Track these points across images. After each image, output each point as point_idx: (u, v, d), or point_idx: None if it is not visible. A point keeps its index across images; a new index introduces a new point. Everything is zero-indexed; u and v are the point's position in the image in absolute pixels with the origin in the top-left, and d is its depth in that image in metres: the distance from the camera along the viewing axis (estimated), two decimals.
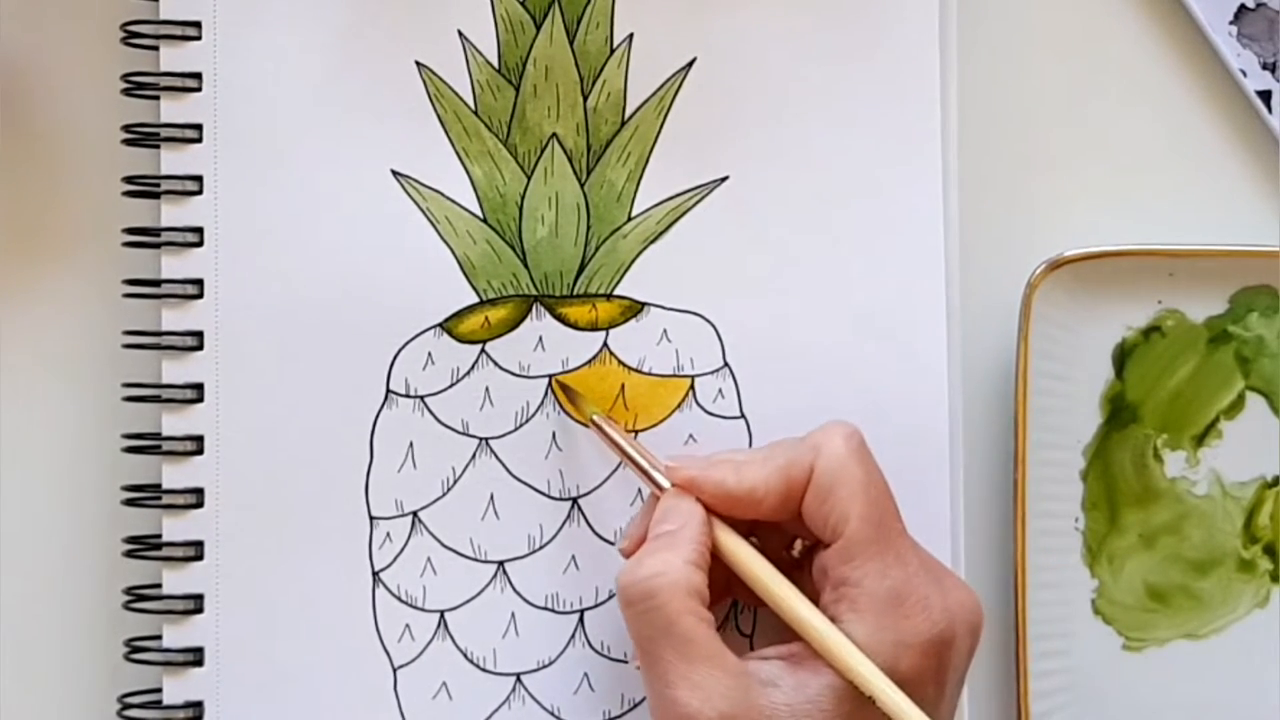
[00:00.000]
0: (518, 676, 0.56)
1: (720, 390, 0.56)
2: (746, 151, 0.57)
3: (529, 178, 0.56)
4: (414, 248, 0.56)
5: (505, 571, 0.56)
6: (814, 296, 0.57)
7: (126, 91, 0.56)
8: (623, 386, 0.56)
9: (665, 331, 0.56)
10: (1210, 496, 0.59)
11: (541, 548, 0.56)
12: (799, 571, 0.53)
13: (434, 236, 0.56)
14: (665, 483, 0.53)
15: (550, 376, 0.56)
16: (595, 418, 0.55)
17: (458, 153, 0.56)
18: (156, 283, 0.56)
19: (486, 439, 0.56)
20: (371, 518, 0.56)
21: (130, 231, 0.56)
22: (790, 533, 0.53)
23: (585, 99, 0.56)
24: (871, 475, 0.51)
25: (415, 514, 0.56)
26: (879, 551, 0.50)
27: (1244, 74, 0.59)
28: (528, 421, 0.56)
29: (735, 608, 0.56)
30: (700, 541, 0.51)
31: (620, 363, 0.56)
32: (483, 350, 0.56)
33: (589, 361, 0.56)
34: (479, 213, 0.56)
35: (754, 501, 0.51)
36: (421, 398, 0.56)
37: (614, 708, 0.56)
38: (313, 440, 0.56)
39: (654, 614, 0.49)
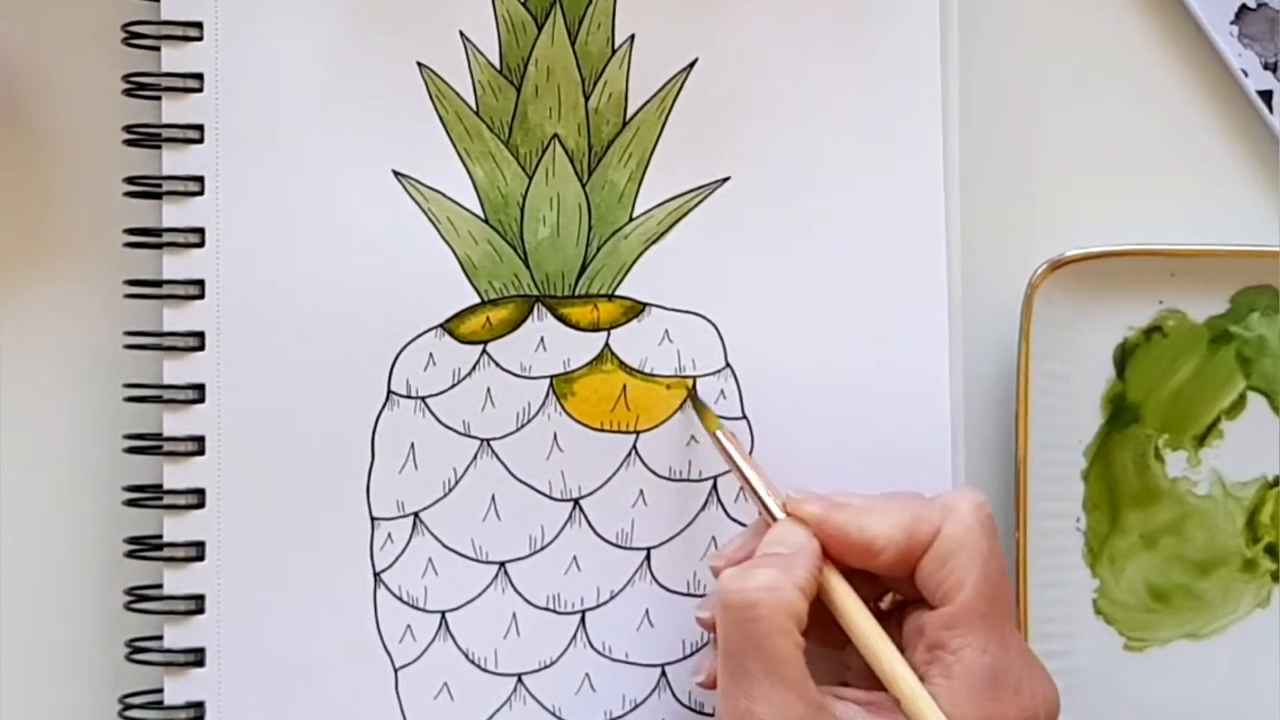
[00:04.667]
0: (519, 677, 0.56)
1: (722, 391, 0.56)
2: (747, 152, 0.57)
3: (530, 178, 0.56)
4: (415, 248, 0.56)
5: (506, 572, 0.56)
6: (815, 297, 0.57)
7: (128, 92, 0.56)
8: (624, 387, 0.56)
9: (667, 332, 0.56)
10: (1211, 497, 0.59)
11: (543, 548, 0.56)
12: (882, 622, 0.52)
13: (435, 237, 0.56)
14: (780, 513, 0.52)
15: (551, 377, 0.56)
16: (719, 434, 0.55)
17: (459, 153, 0.56)
18: (158, 283, 0.56)
19: (488, 440, 0.56)
20: (373, 518, 0.56)
21: (132, 232, 0.56)
22: (885, 585, 0.53)
23: (587, 100, 0.56)
24: (994, 550, 0.51)
25: (416, 515, 0.56)
26: (985, 627, 0.50)
27: (1245, 74, 0.59)
28: (529, 422, 0.56)
29: None
30: (812, 572, 0.50)
31: (622, 363, 0.56)
32: (484, 351, 0.56)
33: (590, 362, 0.56)
34: (480, 213, 0.56)
35: (872, 553, 0.51)
36: (423, 398, 0.56)
37: (615, 708, 0.56)
38: (314, 441, 0.56)
39: (751, 625, 0.49)
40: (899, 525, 0.51)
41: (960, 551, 0.50)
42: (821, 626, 0.51)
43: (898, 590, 0.53)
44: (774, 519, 0.52)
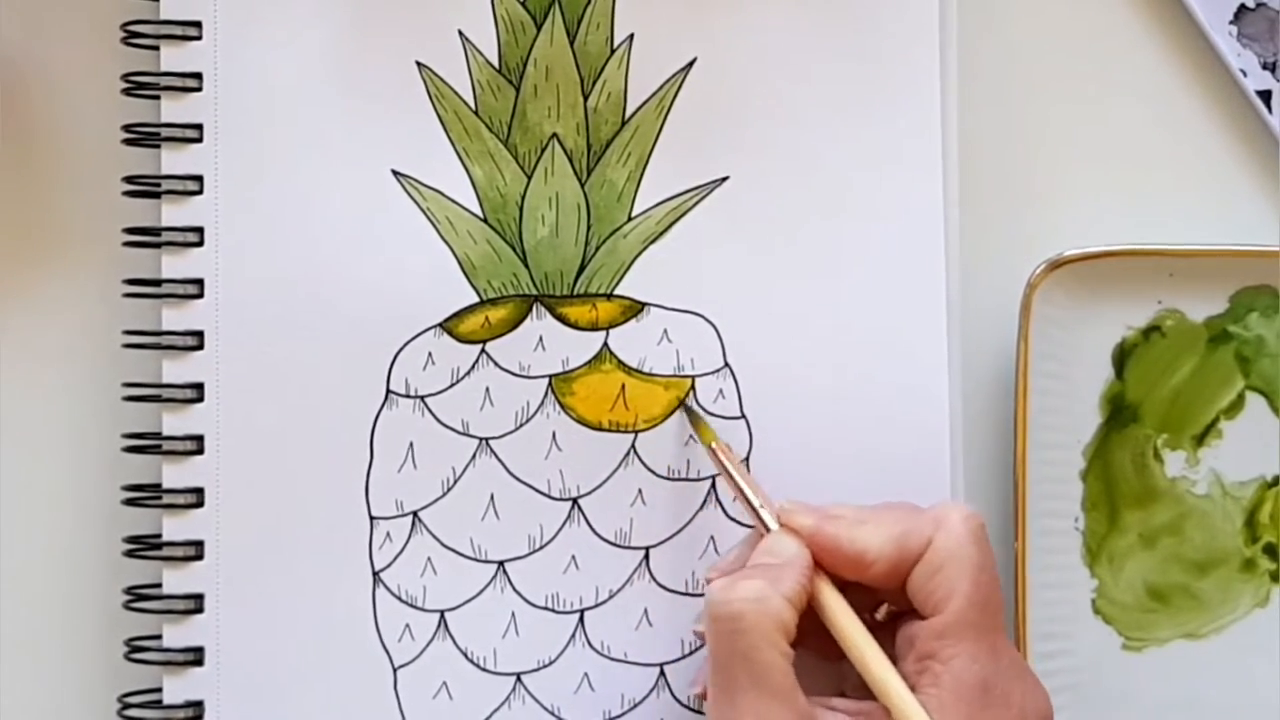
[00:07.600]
0: (518, 676, 0.56)
1: (721, 390, 0.56)
2: (746, 152, 0.57)
3: (529, 178, 0.56)
4: (414, 248, 0.56)
5: (505, 571, 0.56)
6: (814, 296, 0.57)
7: (127, 91, 0.56)
8: (623, 387, 0.56)
9: (665, 331, 0.56)
10: (1210, 496, 0.59)
11: (542, 548, 0.56)
12: (877, 634, 0.52)
13: (434, 236, 0.56)
14: (774, 525, 0.52)
15: (550, 376, 0.56)
16: (714, 445, 0.55)
17: (458, 153, 0.56)
18: (157, 282, 0.56)
19: (487, 439, 0.56)
20: (372, 517, 0.56)
21: (131, 231, 0.56)
22: (878, 596, 0.53)
23: (586, 99, 0.56)
24: (985, 561, 0.51)
25: (415, 514, 0.56)
26: (976, 637, 0.50)
27: (1244, 74, 0.59)
28: (528, 421, 0.56)
29: None
30: (801, 583, 0.50)
31: (620, 363, 0.56)
32: (483, 350, 0.56)
33: (589, 362, 0.56)
34: (479, 213, 0.56)
35: (863, 565, 0.51)
36: (422, 398, 0.56)
37: (614, 707, 0.56)
38: (313, 440, 0.56)
39: (737, 637, 0.49)
40: (890, 538, 0.51)
41: (951, 563, 0.50)
42: (819, 638, 0.51)
43: (891, 601, 0.53)
44: (767, 530, 0.52)
